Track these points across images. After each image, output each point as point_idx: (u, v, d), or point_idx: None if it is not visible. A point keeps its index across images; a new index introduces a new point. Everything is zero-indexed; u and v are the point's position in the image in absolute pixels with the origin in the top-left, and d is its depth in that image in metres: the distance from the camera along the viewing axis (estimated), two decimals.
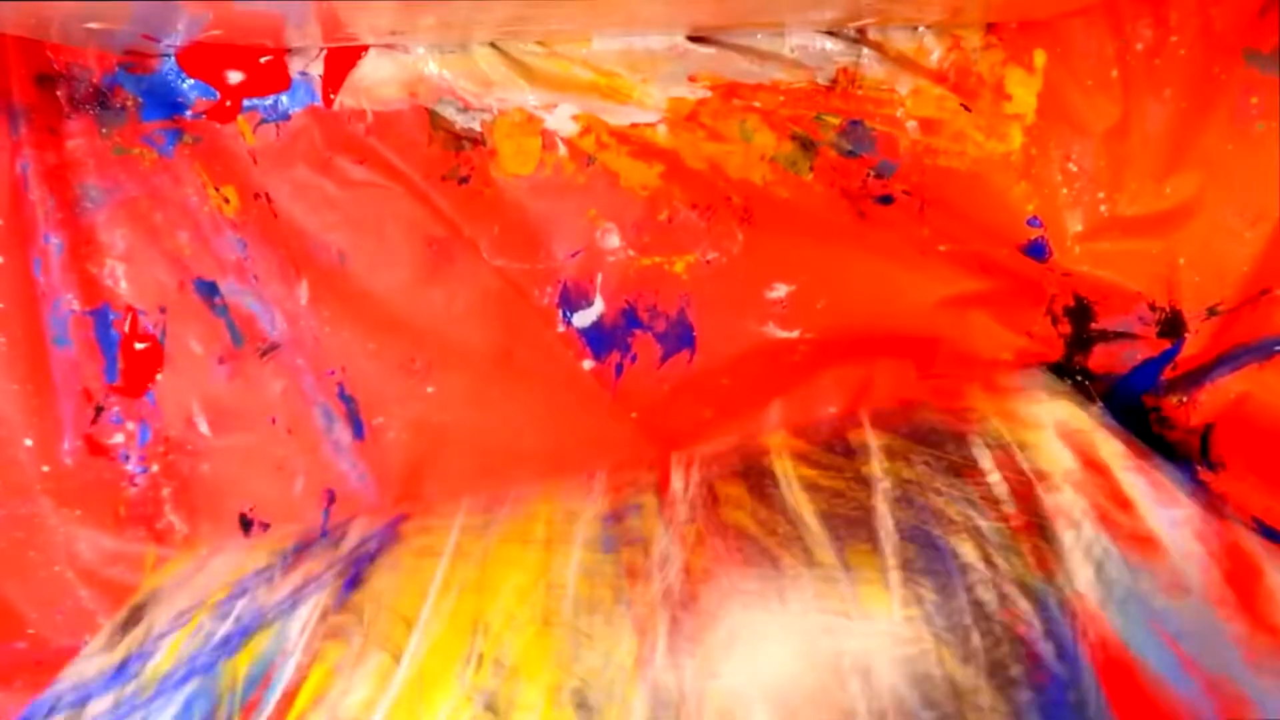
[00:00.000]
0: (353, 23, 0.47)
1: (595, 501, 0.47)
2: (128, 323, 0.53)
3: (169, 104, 0.51)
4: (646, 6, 0.48)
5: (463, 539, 0.47)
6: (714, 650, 0.37)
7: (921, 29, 0.51)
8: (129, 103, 0.51)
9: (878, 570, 0.39)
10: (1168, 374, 0.53)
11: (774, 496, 0.43)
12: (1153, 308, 0.52)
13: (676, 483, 0.46)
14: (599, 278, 0.53)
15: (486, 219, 0.52)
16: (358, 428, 0.53)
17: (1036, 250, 0.53)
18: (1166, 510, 0.38)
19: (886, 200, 0.53)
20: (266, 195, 0.52)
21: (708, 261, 0.53)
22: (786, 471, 0.45)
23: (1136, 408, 0.53)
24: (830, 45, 0.51)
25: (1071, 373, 0.54)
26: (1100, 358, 0.54)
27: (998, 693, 0.33)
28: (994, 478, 0.41)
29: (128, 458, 0.53)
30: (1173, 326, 0.52)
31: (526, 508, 0.48)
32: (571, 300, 0.53)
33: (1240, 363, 0.50)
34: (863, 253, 0.53)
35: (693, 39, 0.51)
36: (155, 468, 0.54)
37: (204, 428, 0.54)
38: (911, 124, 0.52)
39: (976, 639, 0.35)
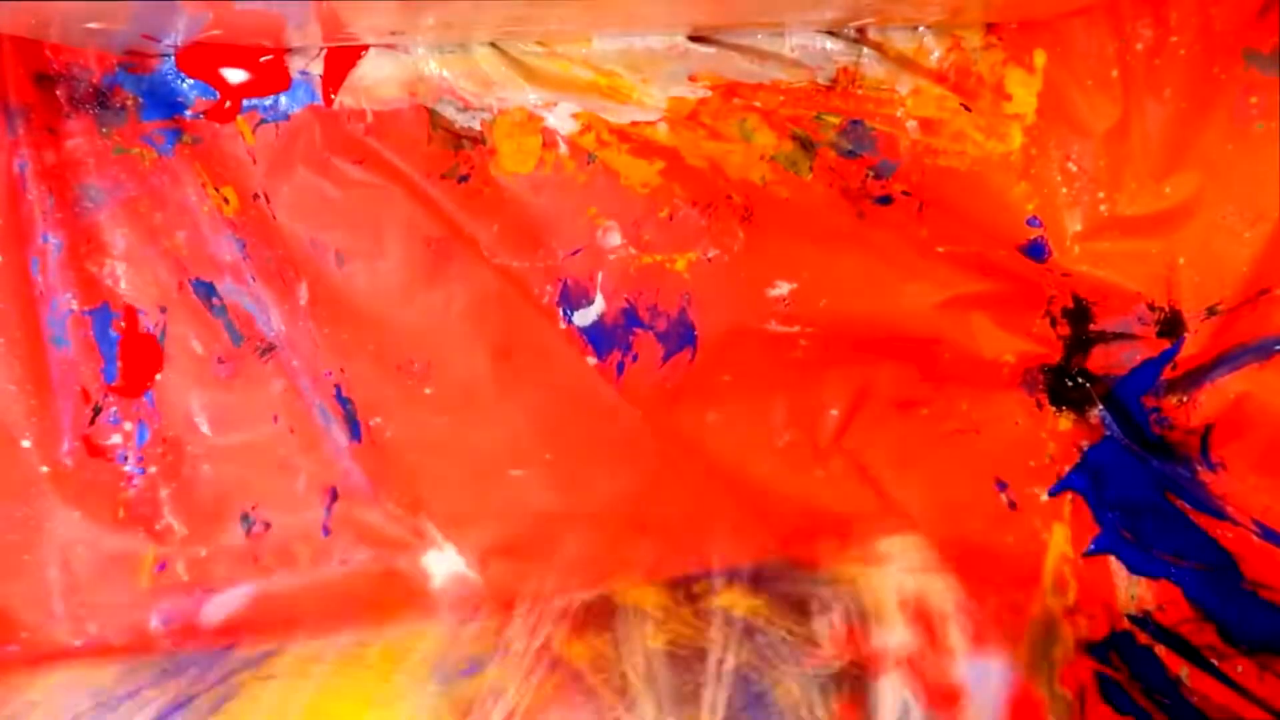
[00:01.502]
0: (353, 23, 0.47)
1: (435, 654, 0.46)
2: (126, 323, 0.53)
3: (169, 104, 0.51)
4: (646, 6, 0.48)
5: (294, 667, 0.47)
6: None
7: (921, 29, 0.51)
8: (129, 102, 0.51)
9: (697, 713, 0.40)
10: (1167, 374, 0.53)
11: (613, 644, 0.44)
12: (1152, 308, 0.52)
13: (520, 640, 0.46)
14: (599, 276, 0.53)
15: (486, 217, 0.52)
16: (354, 429, 0.53)
17: (1036, 250, 0.53)
18: (975, 661, 0.41)
19: (886, 200, 0.53)
20: (265, 195, 0.52)
21: (709, 259, 0.53)
22: (633, 606, 0.46)
23: (1136, 408, 0.53)
24: (830, 45, 0.51)
25: (1071, 374, 0.54)
26: (1100, 358, 0.54)
27: None
28: (822, 624, 0.44)
29: (126, 458, 0.53)
30: (1172, 326, 0.52)
31: (355, 651, 0.48)
32: (572, 299, 0.53)
33: (1240, 363, 0.50)
34: (862, 253, 0.53)
35: (693, 39, 0.51)
36: (154, 469, 0.54)
37: (205, 427, 0.54)
38: (911, 124, 0.52)
39: None
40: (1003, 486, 0.55)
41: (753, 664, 0.41)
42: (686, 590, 0.46)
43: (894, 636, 0.42)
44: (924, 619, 0.43)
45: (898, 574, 0.45)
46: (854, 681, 0.41)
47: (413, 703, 0.42)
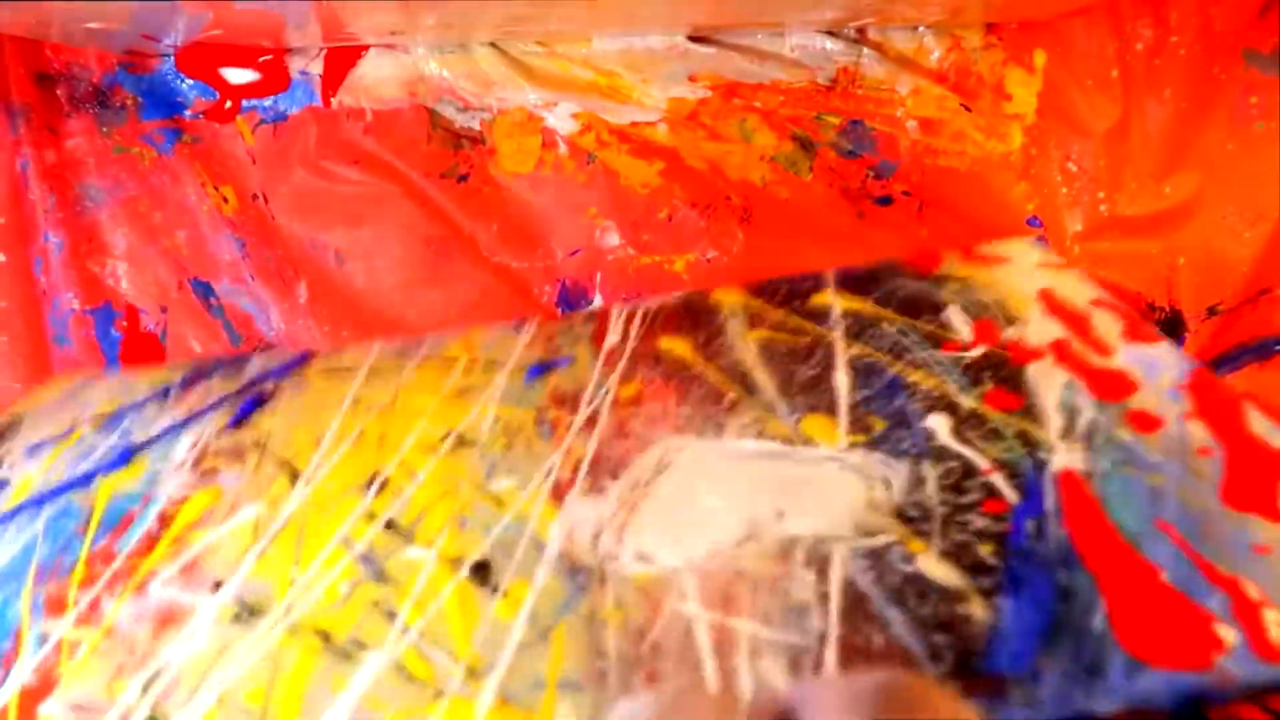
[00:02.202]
0: (353, 23, 0.47)
1: (521, 351, 0.42)
2: (128, 322, 0.53)
3: (169, 104, 0.51)
4: (646, 6, 0.48)
5: (377, 365, 0.43)
6: (638, 483, 0.34)
7: (921, 29, 0.51)
8: (129, 102, 0.51)
9: (824, 400, 0.35)
10: None
11: (719, 331, 0.40)
12: (1152, 307, 0.52)
13: (614, 333, 0.42)
14: (598, 276, 0.53)
15: (485, 216, 0.52)
16: None
17: None
18: (1136, 347, 0.36)
19: (886, 200, 0.52)
20: (264, 195, 0.52)
21: (708, 260, 0.53)
22: (735, 307, 0.41)
23: None
24: (830, 45, 0.51)
25: None
26: None
27: (951, 526, 0.30)
28: (952, 314, 0.39)
29: None
30: (1172, 326, 0.52)
31: (444, 351, 0.43)
32: (571, 298, 0.53)
33: (1240, 363, 0.50)
34: (862, 253, 0.52)
35: (693, 39, 0.51)
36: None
37: None
38: (911, 124, 0.52)
39: (930, 474, 0.32)
40: None
41: (877, 356, 0.37)
42: (789, 291, 0.42)
43: (1037, 326, 0.37)
44: (1066, 312, 0.38)
45: (1025, 271, 0.41)
46: (1003, 367, 0.35)
47: (499, 391, 0.39)
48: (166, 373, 0.45)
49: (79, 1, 0.41)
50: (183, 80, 0.51)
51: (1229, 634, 0.26)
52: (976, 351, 0.36)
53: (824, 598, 0.28)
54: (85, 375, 0.48)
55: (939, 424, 0.33)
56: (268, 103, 0.52)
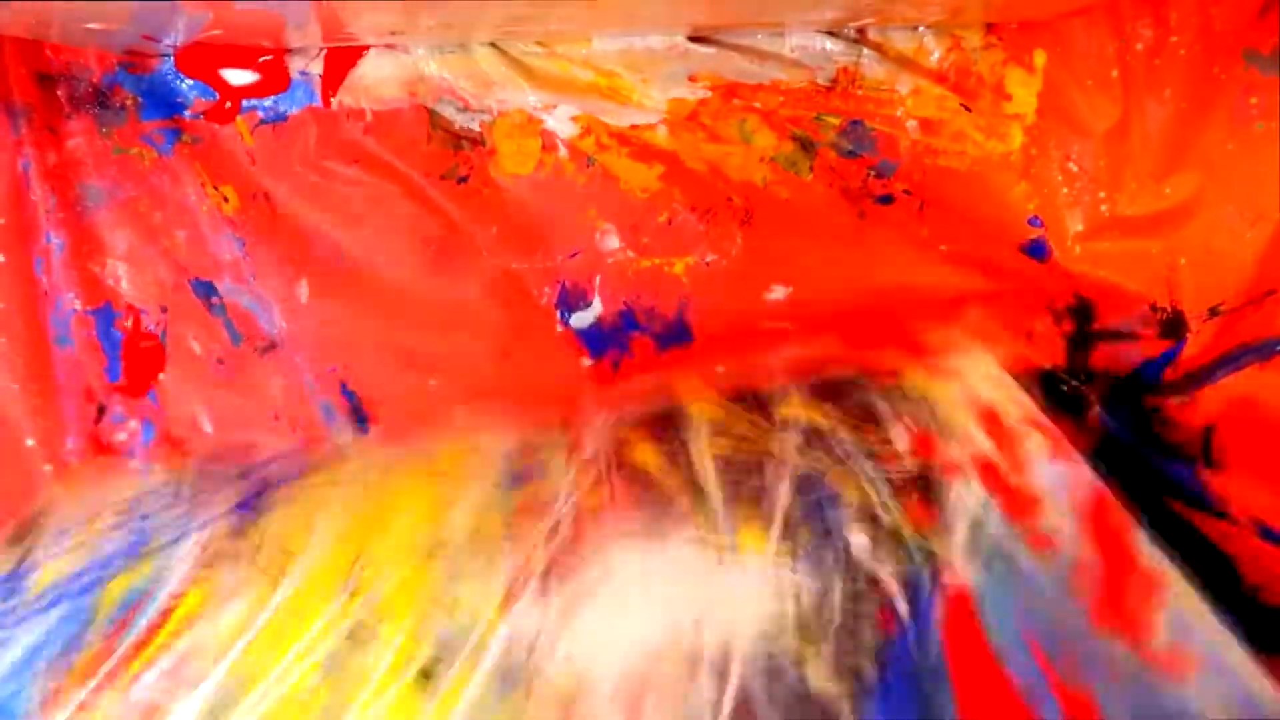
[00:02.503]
0: (352, 23, 0.47)
1: (502, 462, 0.44)
2: (130, 322, 0.53)
3: (169, 104, 0.52)
4: (646, 6, 0.48)
5: (371, 477, 0.46)
6: (581, 591, 0.36)
7: (921, 29, 0.51)
8: (129, 102, 0.51)
9: (764, 511, 0.38)
10: (1169, 374, 0.52)
11: (685, 444, 0.42)
12: (1154, 308, 0.52)
13: (590, 446, 0.44)
14: (597, 279, 0.53)
15: (485, 218, 0.52)
16: (361, 421, 0.53)
17: (1037, 250, 0.52)
18: (1054, 466, 0.39)
19: (887, 200, 0.52)
20: (265, 195, 0.52)
21: (707, 264, 0.53)
22: (701, 421, 0.43)
23: (1137, 408, 0.53)
24: (830, 45, 0.51)
25: (1073, 374, 0.54)
26: (1101, 358, 0.54)
27: (844, 637, 0.33)
28: (895, 430, 0.41)
29: (133, 454, 0.54)
30: (1174, 327, 0.52)
31: (434, 463, 0.46)
32: (570, 301, 0.53)
33: (1242, 363, 0.49)
34: (862, 253, 0.53)
35: (693, 39, 0.51)
36: (157, 466, 0.54)
37: (207, 426, 0.54)
38: (912, 124, 0.52)
39: (837, 587, 0.34)
40: None
41: (820, 468, 0.39)
42: (753, 400, 0.44)
43: (969, 443, 0.40)
44: (999, 429, 0.41)
45: (971, 387, 0.43)
46: (928, 483, 0.38)
47: (475, 500, 0.41)
48: (179, 473, 0.48)
49: (79, 1, 0.41)
50: (183, 80, 0.51)
51: None
52: (910, 469, 0.39)
53: (717, 706, 0.32)
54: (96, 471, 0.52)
55: (858, 538, 0.36)
56: (268, 103, 0.52)
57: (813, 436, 0.41)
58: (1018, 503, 0.37)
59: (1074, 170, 0.51)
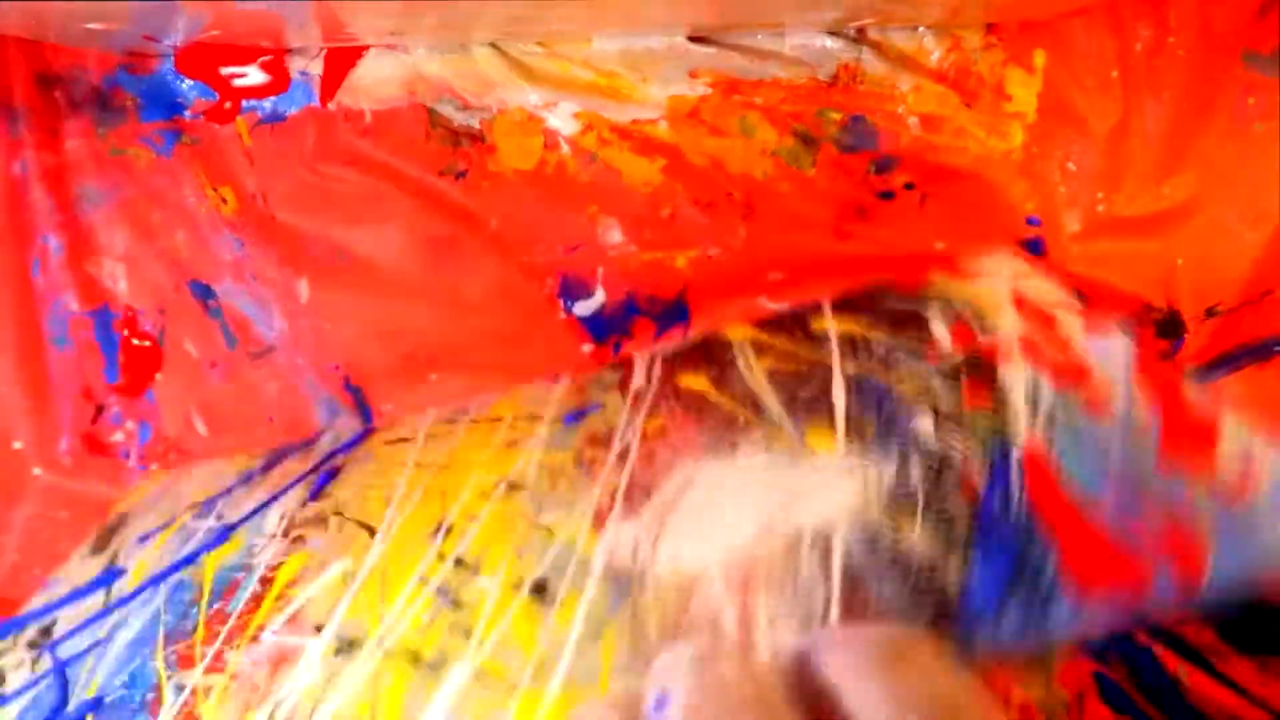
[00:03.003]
0: (352, 23, 0.47)
1: (557, 403, 0.47)
2: (127, 324, 0.53)
3: (168, 105, 0.51)
4: (646, 6, 0.48)
5: (432, 430, 0.48)
6: (666, 503, 0.38)
7: (921, 29, 0.51)
8: (128, 103, 0.51)
9: (824, 414, 0.39)
10: None
11: (731, 364, 0.44)
12: (1150, 308, 0.52)
13: (638, 378, 0.46)
14: (600, 271, 0.53)
15: (485, 211, 0.52)
16: (366, 414, 0.53)
17: (1034, 249, 0.53)
18: (1092, 340, 0.40)
19: (888, 195, 0.53)
20: (263, 196, 0.52)
21: (710, 257, 0.53)
22: (744, 342, 0.45)
23: None
24: (830, 44, 0.51)
25: None
26: None
27: (931, 508, 0.34)
28: (934, 326, 0.42)
29: (129, 455, 0.54)
30: (1171, 327, 0.52)
31: (491, 411, 0.48)
32: (572, 291, 0.53)
33: (1239, 364, 0.50)
34: (864, 249, 0.53)
35: (693, 39, 0.51)
36: (154, 466, 0.54)
37: (201, 428, 0.54)
38: (913, 120, 0.52)
39: (914, 468, 0.36)
40: None
41: (870, 369, 0.41)
42: (793, 319, 0.45)
43: (1009, 326, 0.41)
44: (1034, 312, 0.41)
45: (1001, 280, 0.44)
46: (977, 368, 0.39)
47: (540, 438, 0.44)
48: (247, 460, 0.51)
49: (79, 1, 0.41)
50: (182, 81, 0.51)
51: (1157, 570, 0.32)
52: (955, 358, 0.40)
53: (827, 579, 0.33)
54: (175, 472, 0.54)
55: (922, 424, 0.38)
56: (267, 103, 0.51)
57: (854, 343, 0.42)
58: (1066, 373, 0.38)
59: (1072, 170, 0.51)
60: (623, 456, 0.41)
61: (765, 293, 0.53)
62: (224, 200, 0.52)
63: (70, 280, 0.52)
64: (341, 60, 0.51)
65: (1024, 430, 0.36)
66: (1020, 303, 0.42)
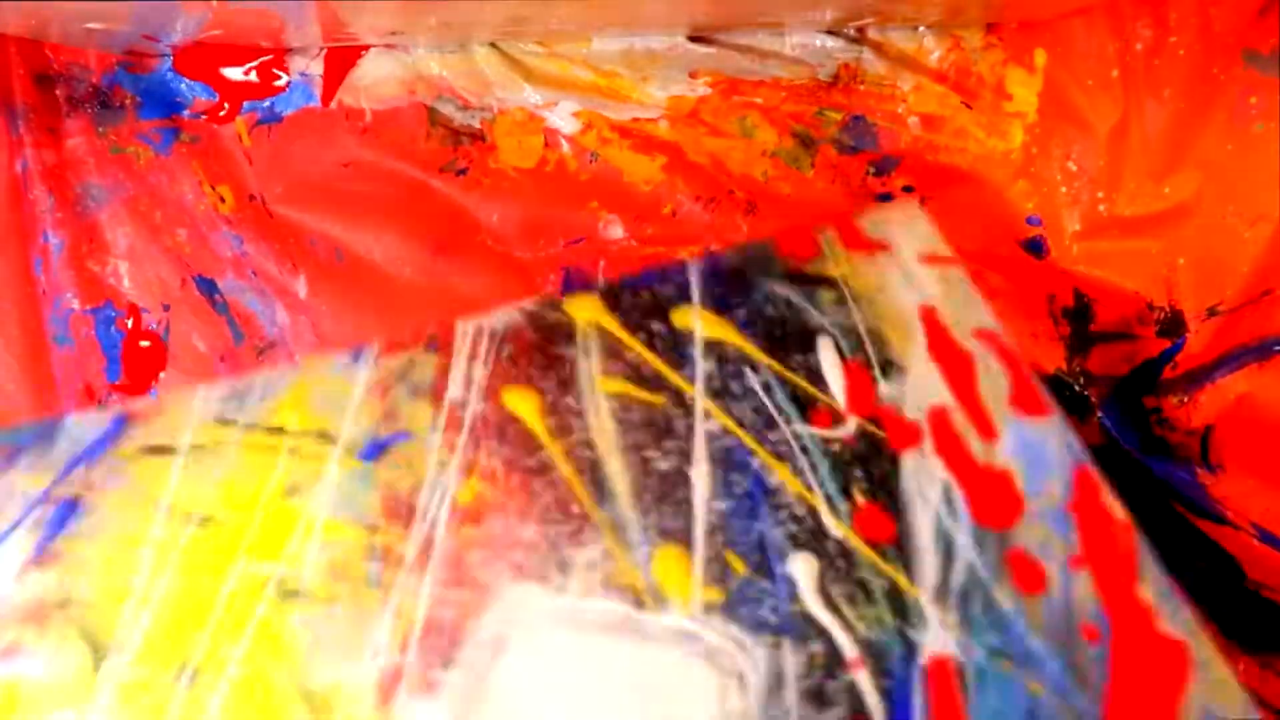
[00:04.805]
0: (353, 23, 0.47)
1: (356, 412, 0.36)
2: (130, 321, 0.53)
3: (167, 103, 0.52)
4: (646, 6, 0.48)
5: (199, 439, 0.36)
6: (475, 674, 0.30)
7: (921, 29, 0.51)
8: (128, 102, 0.51)
9: (680, 518, 0.32)
10: (1168, 374, 0.52)
11: (571, 377, 0.35)
12: (1152, 308, 0.52)
13: (455, 388, 0.35)
14: (601, 263, 0.53)
15: (486, 207, 0.52)
16: None
17: (1034, 248, 0.53)
18: (1024, 425, 0.33)
19: (887, 198, 0.52)
20: (261, 196, 0.52)
21: (712, 252, 0.53)
22: (589, 330, 0.36)
23: (1136, 409, 0.53)
24: (830, 43, 0.51)
25: (1073, 375, 0.54)
26: (1100, 358, 0.54)
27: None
28: (825, 355, 0.35)
29: None
30: (1173, 326, 0.52)
31: (272, 415, 0.36)
32: (574, 285, 0.53)
33: (1241, 363, 0.49)
34: None
35: (693, 39, 0.51)
36: None
37: None
38: (913, 120, 0.52)
39: (788, 657, 0.29)
40: None
41: (739, 419, 0.33)
42: (652, 303, 0.37)
43: (915, 379, 0.34)
44: (950, 352, 0.34)
45: (906, 269, 0.37)
46: (874, 456, 0.32)
47: (337, 489, 0.34)
48: None
49: (79, 1, 0.41)
50: (182, 80, 0.51)
51: None
52: (849, 428, 0.33)
53: None
54: None
55: (803, 572, 0.31)
56: (266, 103, 0.52)
57: (723, 370, 0.35)
58: (988, 496, 0.31)
59: (1073, 169, 0.51)
60: (425, 553, 0.32)
61: None
62: (221, 199, 0.52)
63: (72, 279, 0.52)
64: (342, 60, 0.51)
65: (933, 613, 0.30)
66: (932, 325, 0.36)
